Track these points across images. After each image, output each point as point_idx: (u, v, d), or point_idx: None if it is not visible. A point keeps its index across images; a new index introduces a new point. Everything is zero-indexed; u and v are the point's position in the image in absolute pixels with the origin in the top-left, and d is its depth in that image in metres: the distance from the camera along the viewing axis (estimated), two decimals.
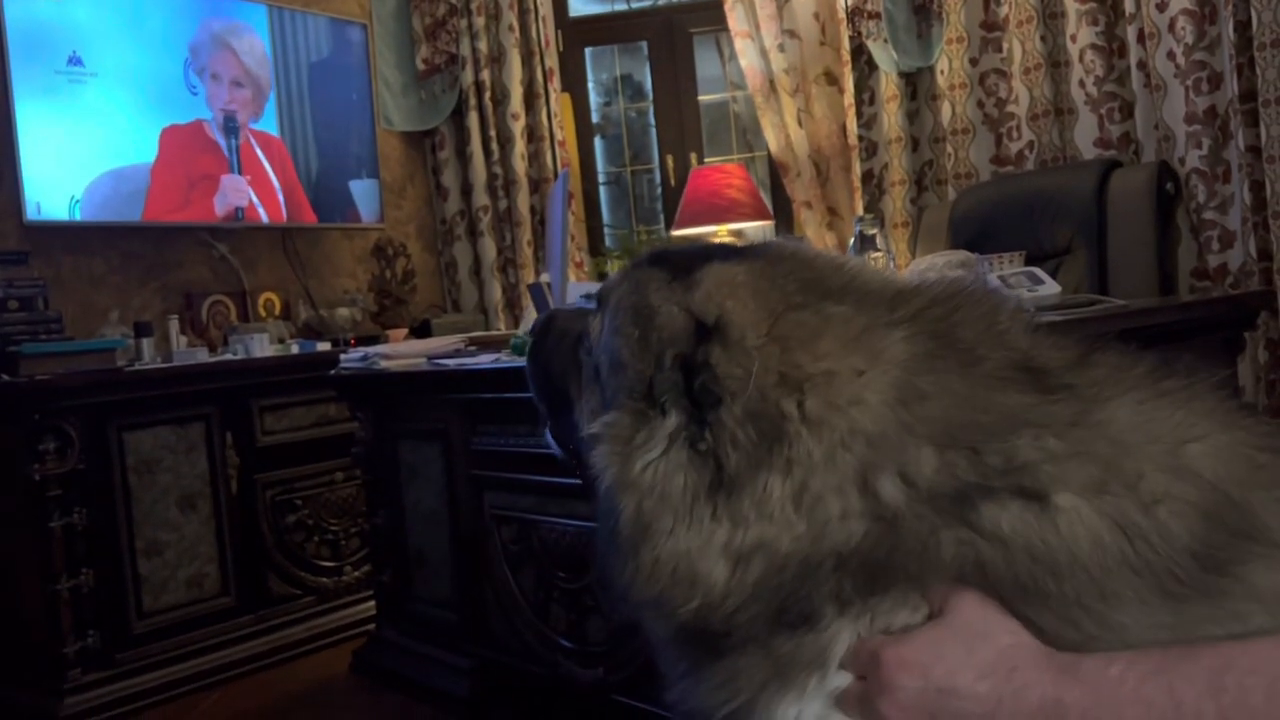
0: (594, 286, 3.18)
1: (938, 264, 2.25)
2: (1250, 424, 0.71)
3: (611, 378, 0.78)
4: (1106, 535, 0.65)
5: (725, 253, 0.80)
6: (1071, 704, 0.63)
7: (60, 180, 3.30)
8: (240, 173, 3.72)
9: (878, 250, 2.17)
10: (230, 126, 3.70)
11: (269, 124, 3.87)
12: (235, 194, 3.70)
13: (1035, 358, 0.73)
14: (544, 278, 2.84)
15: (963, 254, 2.24)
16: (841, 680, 0.70)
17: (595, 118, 4.85)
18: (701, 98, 4.66)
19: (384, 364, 2.81)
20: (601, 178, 4.86)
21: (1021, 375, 0.71)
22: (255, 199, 3.77)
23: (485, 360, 2.56)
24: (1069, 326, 1.69)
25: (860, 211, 3.84)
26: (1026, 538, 0.66)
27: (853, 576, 0.69)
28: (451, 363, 2.66)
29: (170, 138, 3.55)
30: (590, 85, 4.80)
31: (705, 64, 4.70)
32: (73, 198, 3.32)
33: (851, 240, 2.26)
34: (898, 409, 0.69)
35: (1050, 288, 1.88)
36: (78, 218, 3.34)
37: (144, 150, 3.50)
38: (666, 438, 0.72)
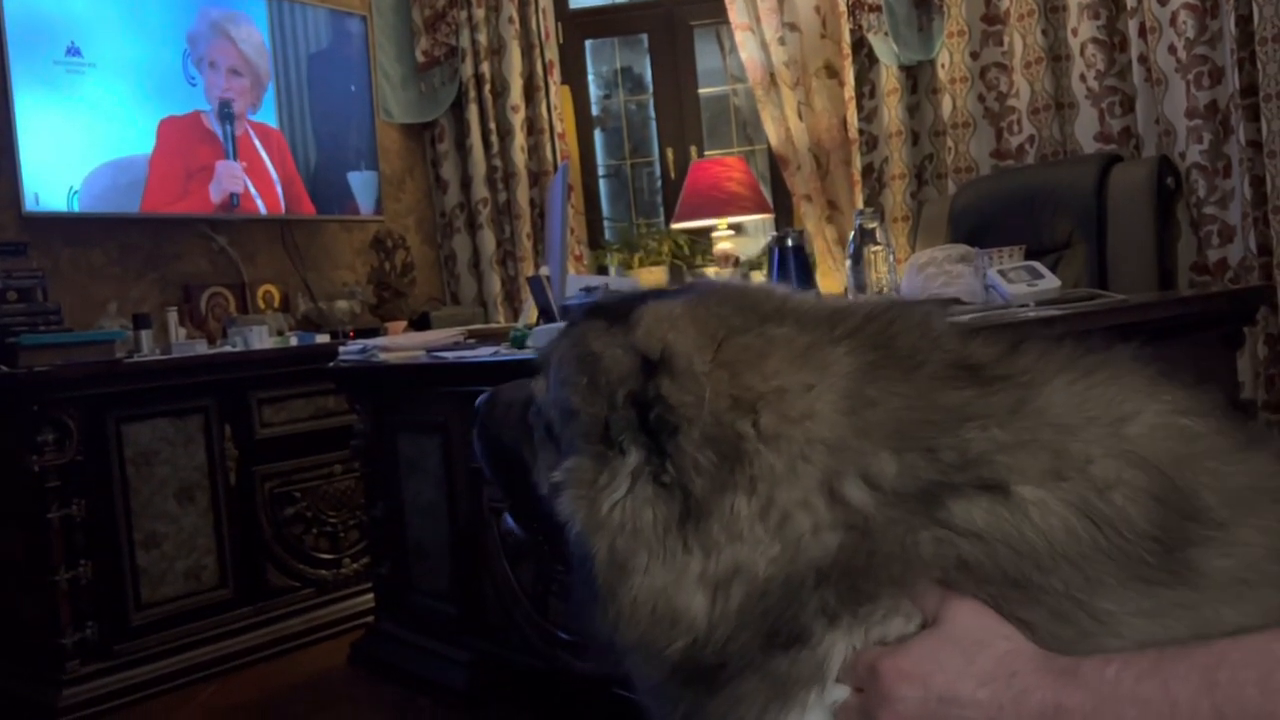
0: (594, 279, 3.18)
1: (937, 258, 2.25)
2: (1175, 393, 0.73)
3: (565, 428, 0.78)
4: (1077, 523, 0.67)
5: (658, 293, 0.83)
6: (1073, 708, 0.63)
7: (59, 171, 3.29)
8: (236, 159, 3.71)
9: (877, 244, 2.17)
10: (226, 114, 3.69)
11: (268, 115, 3.86)
12: (230, 180, 3.69)
13: (969, 356, 0.76)
14: (543, 270, 2.83)
15: (962, 248, 2.24)
16: (840, 693, 0.71)
17: (595, 110, 4.84)
18: (701, 90, 4.65)
19: (383, 356, 2.81)
20: (601, 170, 4.86)
21: (960, 373, 0.74)
22: (251, 187, 3.76)
23: (484, 353, 2.56)
24: (1066, 321, 1.69)
25: (860, 205, 3.84)
26: (1003, 531, 0.67)
27: (836, 589, 0.69)
28: (450, 355, 2.66)
29: (168, 129, 3.54)
30: (590, 78, 4.79)
31: (705, 57, 4.69)
32: (71, 189, 3.31)
33: (851, 234, 2.25)
34: (850, 416, 0.71)
35: (1050, 282, 1.88)
36: (76, 209, 3.33)
37: (142, 141, 3.49)
38: (629, 475, 0.73)
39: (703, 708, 0.73)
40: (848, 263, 2.26)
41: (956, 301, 1.91)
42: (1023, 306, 1.78)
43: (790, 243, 2.30)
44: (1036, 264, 1.95)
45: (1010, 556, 0.67)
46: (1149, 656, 0.64)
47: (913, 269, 2.33)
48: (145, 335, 3.28)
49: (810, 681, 0.70)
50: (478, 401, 0.99)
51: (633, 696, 0.85)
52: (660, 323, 0.77)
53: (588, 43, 4.74)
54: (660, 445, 0.72)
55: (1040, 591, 0.67)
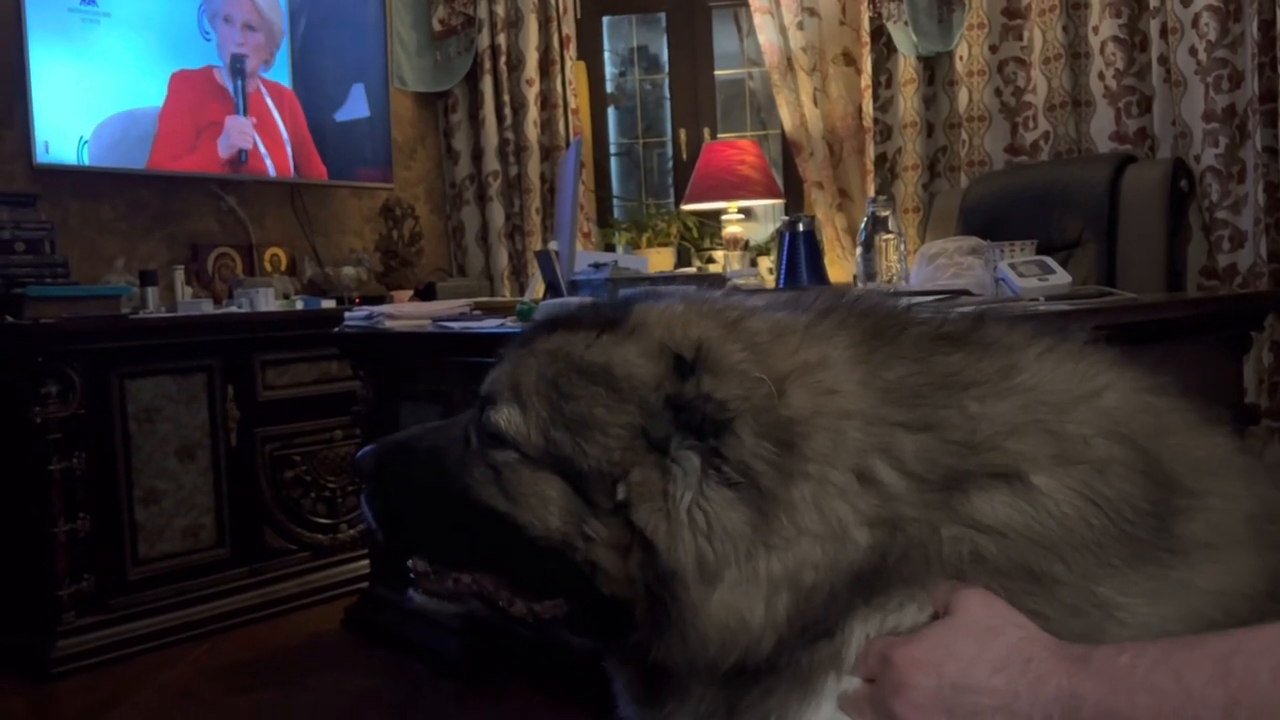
0: (603, 256, 3.18)
1: (948, 249, 2.24)
2: (1136, 370, 0.77)
3: (588, 445, 0.73)
4: (1087, 510, 0.69)
5: (622, 304, 0.82)
6: (1088, 694, 0.64)
7: (69, 120, 3.28)
8: (246, 115, 3.70)
9: (890, 232, 2.16)
10: (238, 69, 3.68)
11: (280, 75, 3.84)
12: (239, 135, 3.68)
13: (942, 327, 0.79)
14: (552, 245, 2.83)
15: (973, 240, 2.24)
16: (849, 683, 0.71)
17: (610, 88, 4.82)
18: (717, 73, 4.63)
19: (389, 324, 2.81)
20: (613, 149, 4.84)
21: (941, 341, 0.77)
22: (261, 145, 3.75)
23: (490, 325, 2.56)
24: (1078, 317, 1.69)
25: (872, 194, 3.83)
26: (1024, 525, 0.69)
27: (863, 588, 0.70)
28: (456, 325, 2.66)
29: (180, 82, 3.52)
30: (606, 55, 4.77)
31: (722, 40, 4.67)
32: (81, 139, 3.30)
33: (864, 222, 2.25)
34: (868, 387, 0.73)
35: (1061, 277, 1.88)
36: (85, 160, 3.32)
37: (154, 94, 3.48)
38: (696, 480, 0.70)
39: (733, 704, 0.73)
40: (858, 250, 2.26)
41: (965, 293, 1.91)
42: (1033, 301, 1.78)
43: (801, 228, 2.30)
44: (1048, 259, 1.95)
45: (1029, 549, 0.68)
46: (1161, 645, 0.64)
47: (922, 259, 2.33)
48: (151, 292, 3.28)
49: (828, 666, 0.71)
50: (360, 455, 0.88)
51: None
52: (676, 321, 0.77)
53: (605, 19, 4.72)
54: (713, 445, 0.70)
55: (1054, 583, 0.68)
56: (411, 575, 0.86)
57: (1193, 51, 3.03)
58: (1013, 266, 1.90)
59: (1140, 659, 0.63)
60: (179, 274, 3.50)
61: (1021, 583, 0.69)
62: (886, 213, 2.18)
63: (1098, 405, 0.73)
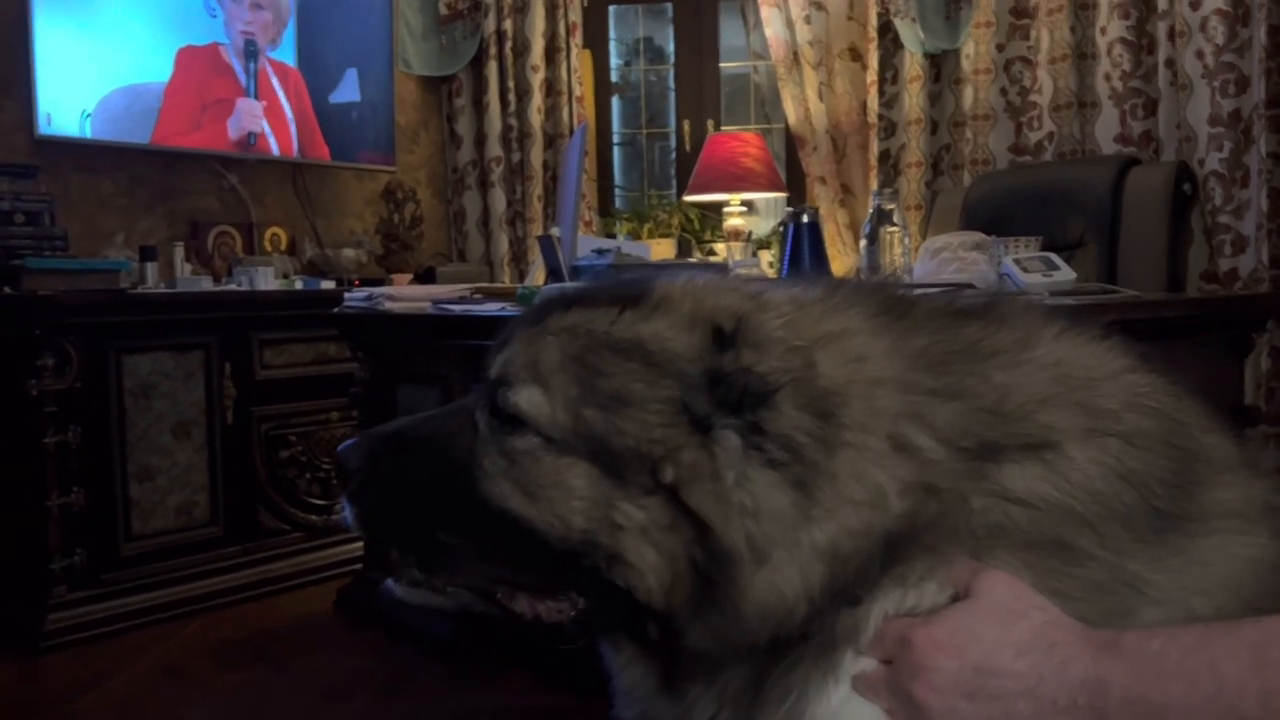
0: (605, 242, 3.17)
1: (952, 244, 2.24)
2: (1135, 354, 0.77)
3: (625, 423, 0.70)
4: (1120, 487, 0.68)
5: (638, 281, 0.79)
6: (1114, 680, 0.62)
7: (72, 93, 3.26)
8: (256, 98, 3.69)
9: (894, 225, 2.16)
10: (250, 50, 3.66)
11: (286, 54, 3.82)
12: (250, 119, 3.67)
13: (954, 303, 0.79)
14: (554, 231, 2.82)
15: (977, 235, 2.24)
16: (865, 664, 0.70)
17: (614, 78, 4.81)
18: (721, 65, 4.62)
19: (388, 305, 2.80)
20: (616, 138, 4.83)
21: (956, 316, 0.76)
22: (268, 128, 3.74)
23: (491, 309, 2.56)
24: (1083, 312, 1.68)
25: (875, 189, 3.83)
26: (1058, 498, 0.68)
27: (890, 555, 0.69)
28: (457, 308, 2.65)
29: (186, 59, 3.51)
30: (612, 44, 4.76)
31: (727, 34, 4.66)
32: (84, 112, 3.28)
33: (869, 214, 2.25)
34: (895, 355, 0.72)
35: (1066, 273, 1.88)
36: (88, 133, 3.31)
37: (159, 69, 3.46)
38: (742, 457, 0.69)
39: (760, 682, 0.71)
40: (862, 243, 2.25)
41: (969, 287, 1.90)
42: (1037, 296, 1.78)
43: (806, 219, 2.30)
44: (1052, 255, 1.95)
45: (1060, 521, 0.67)
46: (1194, 632, 0.63)
47: (926, 254, 2.33)
48: (150, 268, 3.27)
49: (848, 641, 0.70)
50: (342, 448, 0.81)
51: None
52: (705, 293, 0.75)
53: (611, 8, 4.70)
54: (753, 420, 0.68)
55: (1084, 558, 0.67)
56: (390, 566, 0.80)
57: (1200, 55, 3.03)
58: (1017, 262, 1.90)
59: (1172, 646, 0.62)
60: (178, 251, 3.49)
61: (1048, 558, 0.68)
62: (892, 206, 2.18)
63: (1124, 381, 0.73)
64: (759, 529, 0.67)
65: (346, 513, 0.81)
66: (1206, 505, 0.69)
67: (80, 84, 3.28)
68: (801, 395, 0.68)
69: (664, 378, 0.70)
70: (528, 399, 0.72)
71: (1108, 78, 3.34)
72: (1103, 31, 3.34)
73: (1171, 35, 3.11)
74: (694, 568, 0.68)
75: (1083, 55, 3.43)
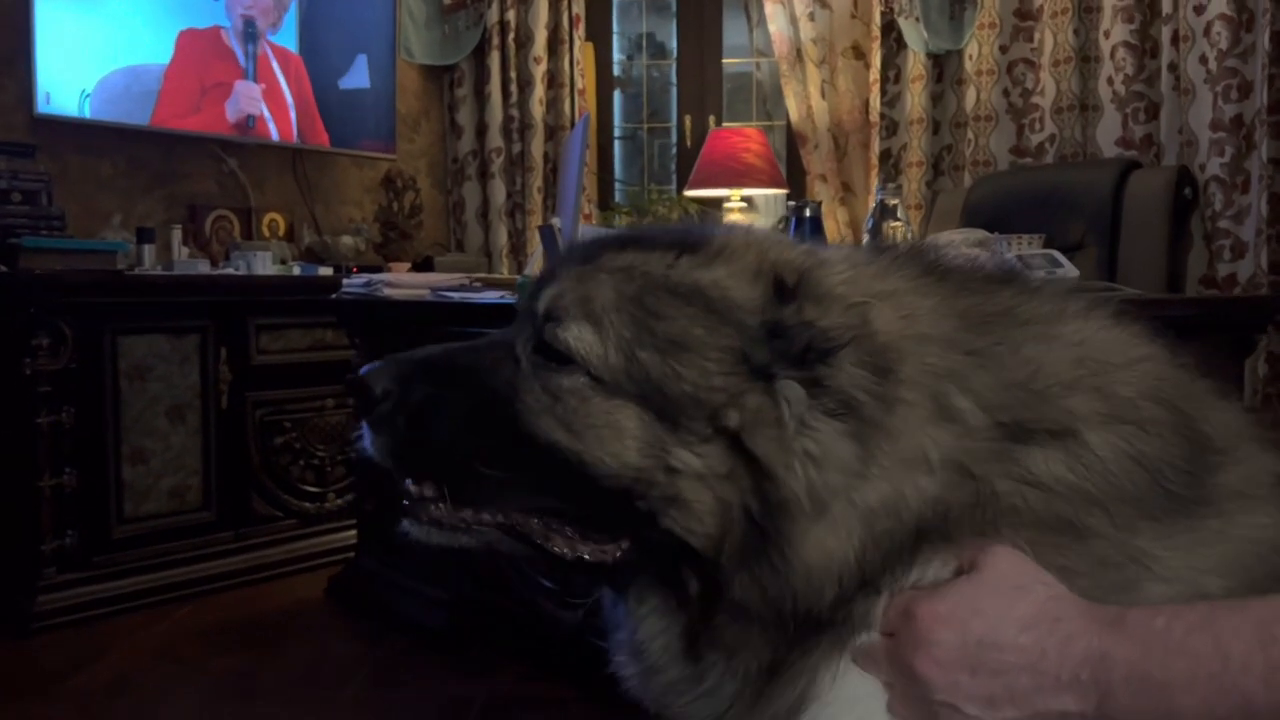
0: (606, 231, 3.16)
1: (955, 240, 2.24)
2: (1160, 341, 0.77)
3: (684, 368, 0.69)
4: (1133, 469, 0.68)
5: (696, 229, 0.78)
6: (1119, 657, 0.62)
7: (72, 72, 3.24)
8: (255, 81, 3.67)
9: (898, 220, 2.16)
10: (250, 33, 3.64)
11: (287, 39, 3.81)
12: (248, 101, 3.65)
13: (982, 270, 0.79)
14: (554, 220, 2.81)
15: (980, 233, 2.24)
16: (866, 637, 0.69)
17: (616, 71, 4.80)
18: (724, 61, 4.61)
19: (387, 292, 2.79)
20: (617, 132, 4.82)
21: (990, 281, 0.77)
22: (267, 112, 3.72)
23: (490, 296, 2.55)
24: None
25: (874, 191, 3.83)
26: (1075, 481, 0.68)
27: (914, 550, 0.69)
28: (456, 295, 2.64)
29: (187, 41, 3.49)
30: (615, 38, 4.75)
31: (730, 32, 4.65)
32: (83, 92, 3.26)
33: (871, 208, 2.24)
34: (941, 314, 0.72)
35: (1069, 271, 1.88)
36: (87, 114, 3.29)
37: (159, 51, 3.44)
38: (804, 408, 0.68)
39: (775, 664, 0.70)
40: (865, 237, 2.25)
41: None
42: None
43: (809, 213, 2.29)
44: (1055, 253, 1.95)
45: (1072, 503, 0.67)
46: (1199, 609, 0.62)
47: None
48: (148, 250, 3.25)
49: (860, 626, 0.69)
50: (365, 370, 0.75)
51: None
52: (767, 246, 0.74)
53: (615, 2, 4.69)
54: (814, 375, 0.68)
55: (1091, 536, 0.67)
56: (407, 503, 0.77)
57: (1203, 60, 3.04)
58: (1020, 259, 1.89)
59: (1176, 622, 0.62)
60: (176, 234, 3.47)
61: (1052, 536, 0.67)
62: (895, 200, 2.18)
63: (1141, 370, 0.73)
64: (820, 478, 0.66)
65: (366, 440, 0.77)
66: (1215, 490, 0.69)
67: (80, 63, 3.26)
68: (862, 351, 0.68)
69: (724, 325, 0.69)
70: (578, 336, 0.70)
71: (1110, 81, 3.34)
72: (1106, 35, 3.35)
73: (1175, 40, 3.12)
74: (748, 518, 0.67)
75: (1086, 58, 3.43)
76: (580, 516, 0.73)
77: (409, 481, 0.77)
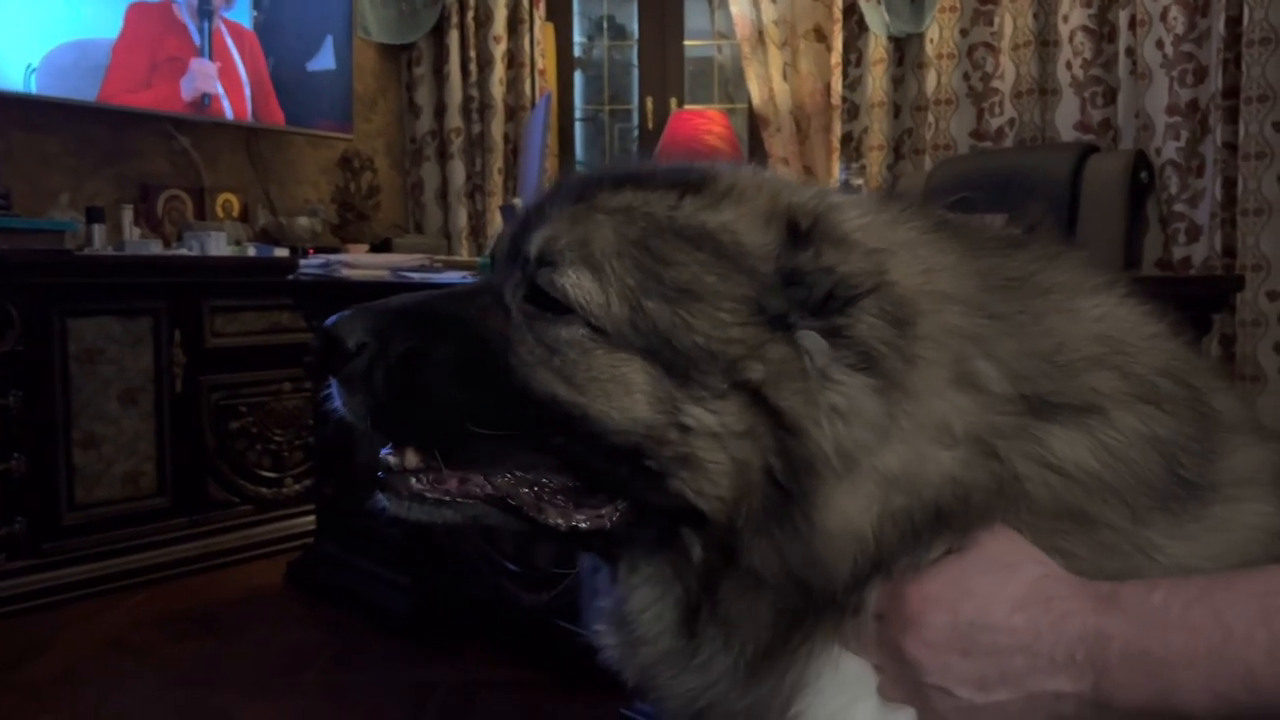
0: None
1: None
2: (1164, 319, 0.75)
3: (695, 319, 0.64)
4: (1150, 457, 0.65)
5: (700, 168, 0.73)
6: (1115, 633, 0.60)
7: (17, 46, 3.14)
8: (211, 59, 3.58)
9: None
10: (205, 9, 3.56)
11: (241, 15, 3.72)
12: (204, 79, 3.57)
13: (995, 232, 0.74)
14: (517, 200, 2.78)
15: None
16: (853, 621, 0.66)
17: (577, 53, 4.76)
18: (685, 43, 4.59)
19: (346, 273, 2.74)
20: (578, 114, 4.79)
21: (1006, 243, 0.72)
22: (222, 90, 3.64)
23: (452, 276, 2.51)
24: None
25: (836, 173, 3.84)
26: (1096, 469, 0.65)
27: (930, 534, 0.65)
28: (416, 276, 2.61)
29: (136, 14, 3.40)
30: (575, 20, 4.70)
31: (691, 16, 4.63)
32: (29, 66, 3.17)
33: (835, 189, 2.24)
34: (962, 271, 0.67)
35: None
36: (33, 89, 3.19)
37: (108, 25, 3.35)
38: (827, 359, 0.63)
39: (770, 648, 0.66)
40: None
41: None
42: None
43: None
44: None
45: (1090, 492, 0.64)
46: (1197, 584, 0.61)
47: None
48: (98, 230, 3.17)
49: (861, 610, 0.66)
50: (333, 321, 0.69)
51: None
52: (779, 187, 0.69)
53: None
54: (834, 324, 0.63)
55: (1100, 526, 0.64)
56: (383, 475, 0.70)
57: (1160, 44, 3.07)
58: None
59: (1174, 597, 0.60)
60: (127, 213, 3.39)
61: (1057, 523, 0.65)
62: (859, 181, 2.18)
63: (1157, 347, 0.70)
64: (849, 433, 0.62)
65: (338, 400, 0.69)
66: (1223, 473, 0.67)
67: (25, 37, 3.16)
68: (884, 301, 0.64)
69: (737, 273, 0.64)
70: (576, 283, 0.65)
71: (1069, 65, 3.37)
72: (1065, 19, 3.37)
73: (1133, 24, 3.15)
74: (769, 479, 0.63)
75: (1045, 42, 3.46)
76: (579, 477, 0.68)
77: (387, 450, 0.70)
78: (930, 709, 0.65)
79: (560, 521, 0.69)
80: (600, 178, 0.71)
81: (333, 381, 0.70)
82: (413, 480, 0.70)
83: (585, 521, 0.68)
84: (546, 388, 0.66)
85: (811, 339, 0.64)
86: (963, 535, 0.64)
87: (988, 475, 0.64)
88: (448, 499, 0.70)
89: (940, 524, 0.64)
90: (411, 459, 0.70)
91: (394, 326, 0.69)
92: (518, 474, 0.69)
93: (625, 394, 0.64)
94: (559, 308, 0.66)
